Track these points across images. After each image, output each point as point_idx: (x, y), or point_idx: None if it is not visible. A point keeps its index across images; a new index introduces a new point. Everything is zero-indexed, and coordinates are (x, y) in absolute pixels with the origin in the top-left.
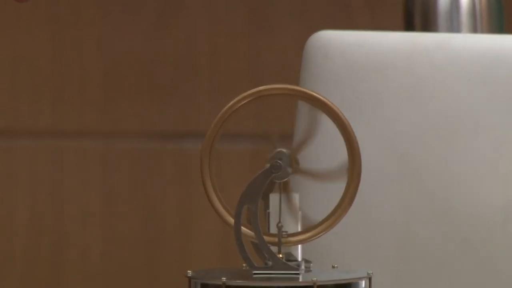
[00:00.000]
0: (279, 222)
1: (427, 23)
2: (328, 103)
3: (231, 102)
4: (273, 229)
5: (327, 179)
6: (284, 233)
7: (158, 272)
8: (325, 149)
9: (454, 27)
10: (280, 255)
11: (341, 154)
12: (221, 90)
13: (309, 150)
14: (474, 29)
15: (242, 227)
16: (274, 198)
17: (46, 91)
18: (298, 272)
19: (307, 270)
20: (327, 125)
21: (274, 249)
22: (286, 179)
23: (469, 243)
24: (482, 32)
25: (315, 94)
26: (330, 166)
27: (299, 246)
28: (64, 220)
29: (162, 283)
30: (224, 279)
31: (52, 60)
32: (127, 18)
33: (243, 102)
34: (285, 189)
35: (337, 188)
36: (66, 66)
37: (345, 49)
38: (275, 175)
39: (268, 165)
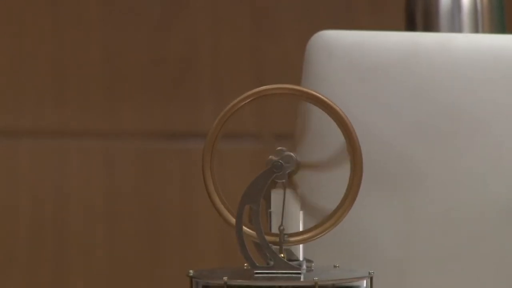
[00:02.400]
0: (281, 222)
1: (429, 23)
2: (330, 103)
3: (233, 102)
4: (275, 229)
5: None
6: (285, 233)
7: (160, 271)
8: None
9: (455, 27)
10: (282, 255)
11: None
12: (224, 89)
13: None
14: (476, 29)
15: (243, 226)
16: (276, 197)
17: (49, 90)
18: (299, 271)
19: (309, 269)
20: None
21: (275, 248)
22: (289, 178)
23: (472, 242)
24: (484, 32)
25: (317, 94)
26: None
27: (301, 245)
28: (68, 220)
29: (164, 282)
30: (225, 278)
31: (55, 59)
32: (130, 18)
33: (245, 102)
34: (291, 185)
35: (339, 188)
36: (69, 66)
37: (347, 49)
38: (277, 174)
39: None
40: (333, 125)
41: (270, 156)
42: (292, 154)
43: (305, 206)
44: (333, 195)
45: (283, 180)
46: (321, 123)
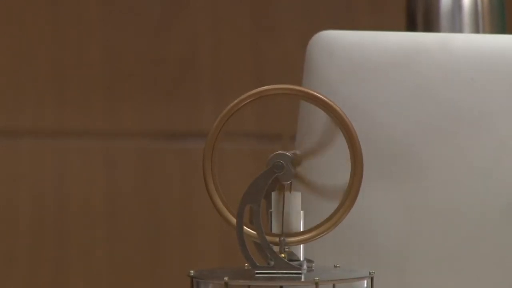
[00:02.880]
0: (282, 222)
1: (429, 23)
2: (330, 103)
3: (233, 102)
4: (276, 229)
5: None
6: (286, 233)
7: (161, 271)
8: (330, 161)
9: (456, 27)
10: (282, 255)
11: (343, 170)
12: (224, 90)
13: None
14: (476, 29)
15: (244, 226)
16: (277, 197)
17: (49, 90)
18: (300, 271)
19: (309, 269)
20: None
21: (276, 248)
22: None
23: (472, 242)
24: (484, 32)
25: (317, 94)
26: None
27: (301, 245)
28: (68, 220)
29: (164, 282)
30: (226, 278)
31: (54, 59)
32: (130, 18)
33: (245, 102)
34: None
35: (339, 188)
36: (69, 66)
37: (348, 49)
38: (278, 175)
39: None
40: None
41: (276, 153)
42: (288, 153)
43: (315, 190)
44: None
45: (289, 181)
46: (321, 123)
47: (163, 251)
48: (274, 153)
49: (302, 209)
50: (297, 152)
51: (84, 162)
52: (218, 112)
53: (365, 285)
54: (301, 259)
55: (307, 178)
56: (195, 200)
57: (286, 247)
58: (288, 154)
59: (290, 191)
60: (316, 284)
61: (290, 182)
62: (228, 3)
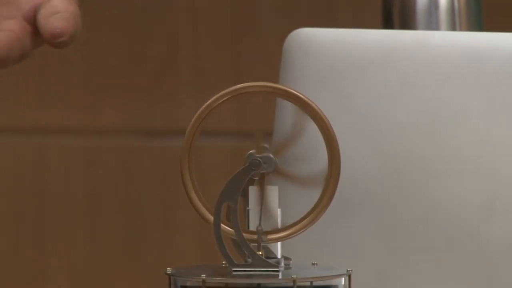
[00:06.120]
0: (259, 220)
1: (406, 21)
2: (307, 100)
3: (210, 100)
4: (253, 226)
5: (304, 184)
6: (263, 230)
7: (141, 269)
8: (305, 149)
9: (432, 24)
10: (260, 253)
11: (322, 154)
12: (204, 88)
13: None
14: (453, 27)
15: (221, 224)
16: (254, 194)
17: (29, 88)
18: (277, 269)
19: (287, 267)
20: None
21: (253, 246)
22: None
23: (453, 240)
24: (461, 29)
25: (294, 91)
26: (308, 171)
27: (279, 243)
28: (47, 218)
29: (145, 279)
30: (203, 276)
31: (34, 57)
32: (111, 15)
33: (221, 100)
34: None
35: (319, 173)
36: (49, 64)
37: (325, 46)
38: (255, 172)
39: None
40: (310, 123)
41: (250, 151)
42: (271, 155)
43: (295, 182)
44: (308, 194)
45: (269, 172)
46: (291, 116)
47: (143, 249)
48: (252, 150)
49: (279, 207)
50: (278, 161)
51: (64, 159)
52: (198, 110)
53: (343, 282)
54: (279, 256)
55: (287, 171)
56: (175, 197)
57: (264, 244)
58: (268, 155)
59: (267, 184)
60: (294, 281)
61: (268, 174)
62: (208, 1)
